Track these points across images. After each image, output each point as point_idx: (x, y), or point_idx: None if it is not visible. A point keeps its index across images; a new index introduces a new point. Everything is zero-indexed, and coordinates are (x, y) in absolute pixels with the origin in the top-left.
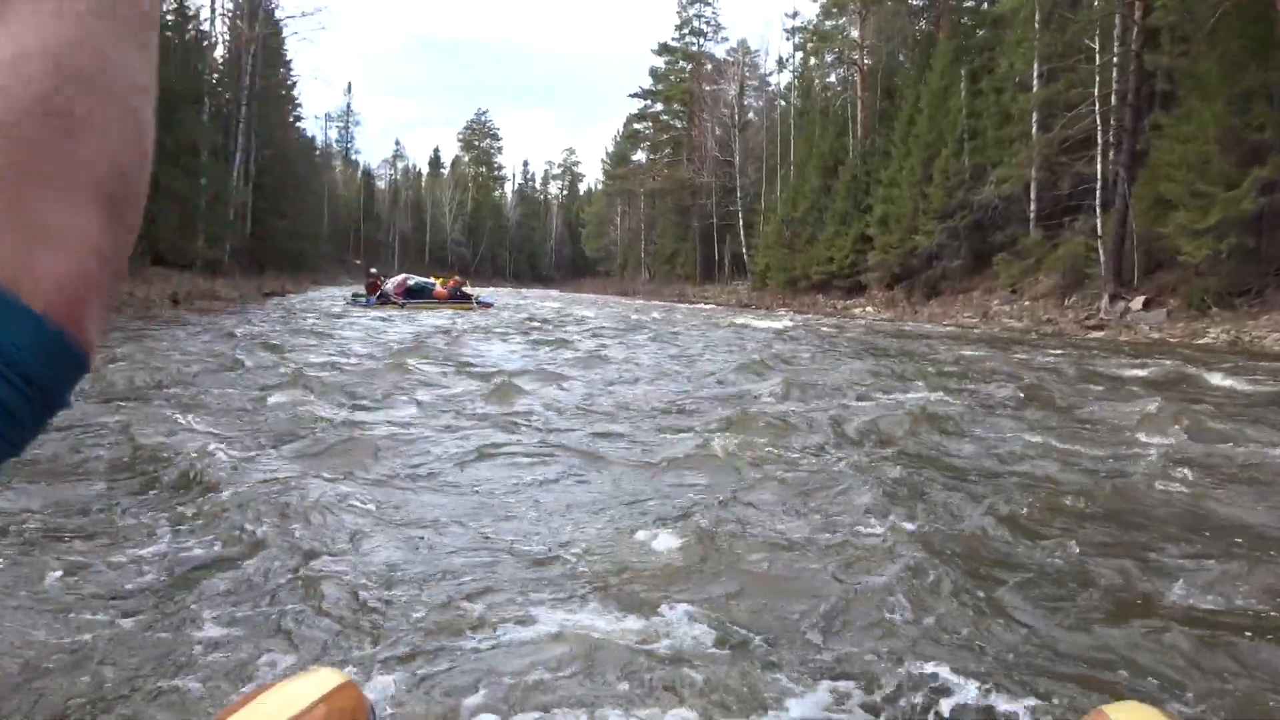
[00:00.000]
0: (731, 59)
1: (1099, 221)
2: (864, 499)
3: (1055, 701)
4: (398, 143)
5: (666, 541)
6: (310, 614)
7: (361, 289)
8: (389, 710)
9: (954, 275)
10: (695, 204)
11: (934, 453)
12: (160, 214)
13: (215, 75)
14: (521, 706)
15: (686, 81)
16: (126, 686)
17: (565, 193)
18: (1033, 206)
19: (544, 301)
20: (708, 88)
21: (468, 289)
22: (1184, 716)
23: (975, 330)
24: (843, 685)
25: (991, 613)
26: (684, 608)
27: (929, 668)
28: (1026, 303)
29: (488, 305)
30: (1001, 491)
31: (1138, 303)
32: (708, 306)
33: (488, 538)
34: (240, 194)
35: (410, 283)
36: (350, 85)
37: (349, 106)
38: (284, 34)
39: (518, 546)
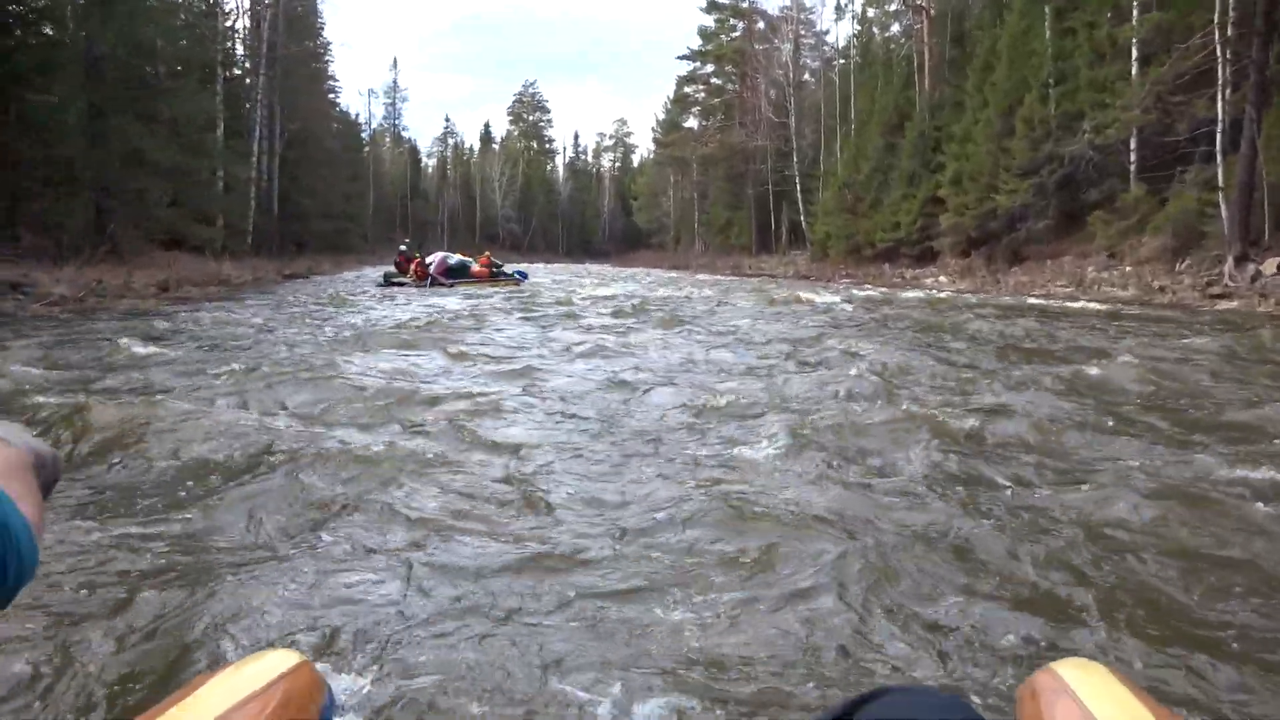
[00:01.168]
0: (785, 14)
1: (1219, 171)
2: None
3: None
4: (448, 119)
5: None
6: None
7: (394, 268)
8: (348, 692)
9: (1040, 238)
10: (749, 170)
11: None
12: (167, 195)
13: (232, 45)
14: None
15: (738, 40)
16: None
17: (618, 165)
18: (1133, 157)
19: (581, 277)
20: (760, 46)
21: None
22: (1131, 673)
23: (1076, 303)
24: None
25: None
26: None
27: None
28: (1128, 268)
29: (520, 280)
30: None
31: (1271, 265)
32: (763, 278)
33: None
34: (259, 171)
35: (451, 261)
36: (396, 60)
37: (395, 82)
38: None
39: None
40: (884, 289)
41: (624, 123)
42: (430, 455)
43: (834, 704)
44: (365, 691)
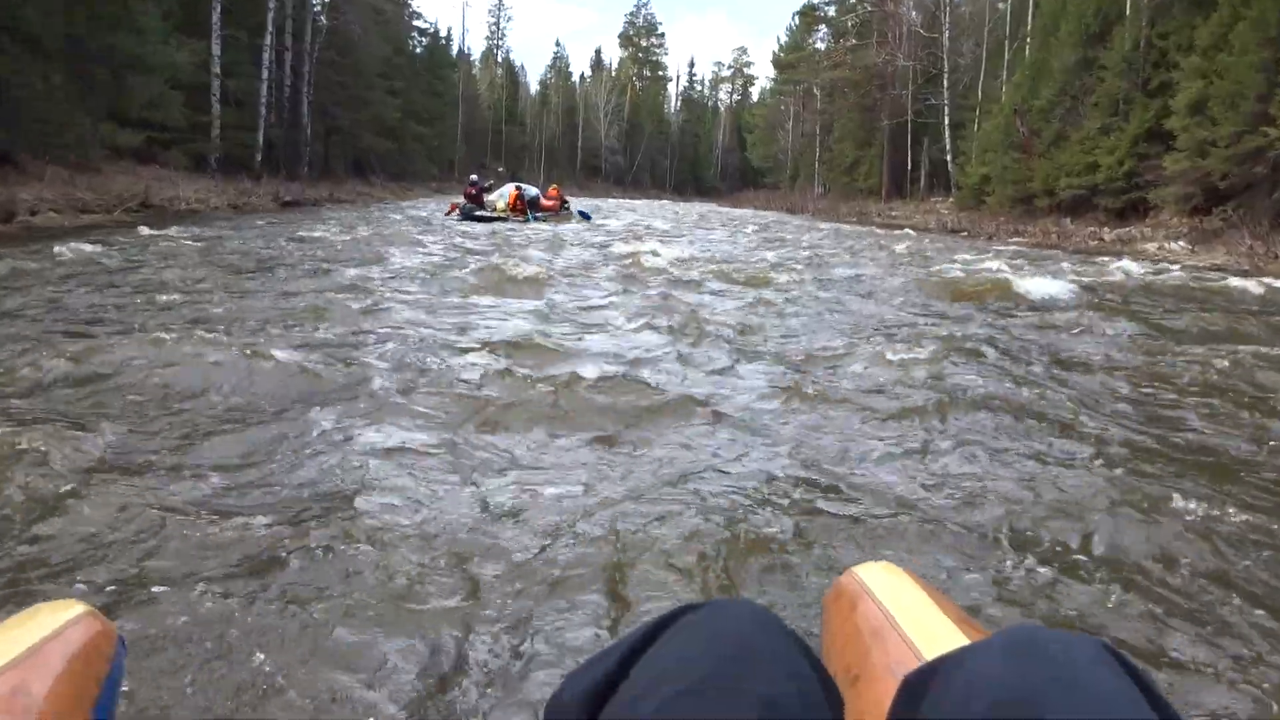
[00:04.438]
0: None
1: None
2: None
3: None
4: (558, 43)
5: None
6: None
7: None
8: (134, 640)
9: None
10: (885, 98)
11: None
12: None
13: None
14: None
15: None
16: None
17: (736, 98)
18: None
19: (663, 221)
20: None
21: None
22: (926, 577)
23: None
24: None
25: None
26: None
27: None
28: None
29: (585, 219)
30: None
31: None
32: (898, 231)
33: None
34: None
35: (529, 194)
36: None
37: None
38: None
39: None
40: (1080, 257)
41: (744, 51)
42: None
43: (644, 622)
44: None
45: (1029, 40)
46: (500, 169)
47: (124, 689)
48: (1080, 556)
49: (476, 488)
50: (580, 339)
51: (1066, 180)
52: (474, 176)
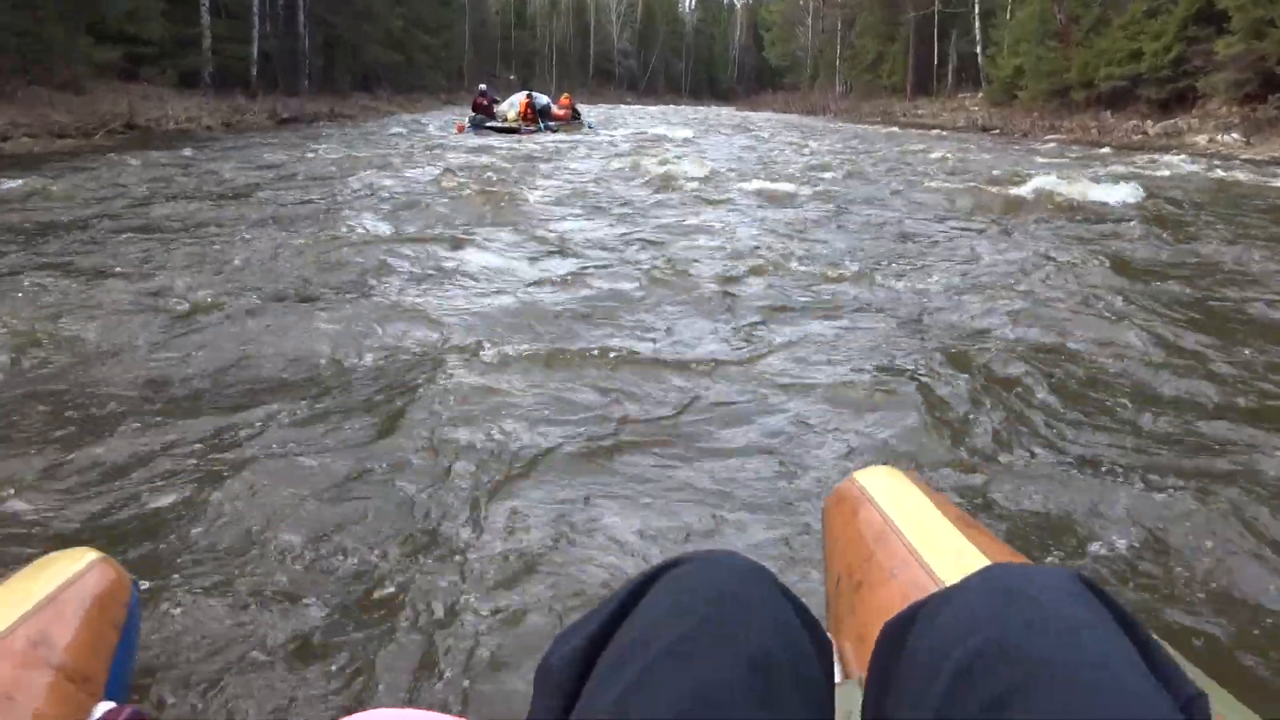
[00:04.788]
0: None
1: None
2: None
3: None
4: None
5: None
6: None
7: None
8: (148, 586)
9: None
10: None
11: None
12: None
13: None
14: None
15: None
16: None
17: None
18: None
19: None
20: None
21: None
22: (926, 479)
23: None
24: None
25: None
26: None
27: None
28: None
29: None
30: None
31: None
32: (926, 130)
33: None
34: None
35: (540, 103)
36: None
37: None
38: None
39: None
40: (1126, 153)
41: None
42: None
43: (630, 579)
44: None
45: None
46: (511, 77)
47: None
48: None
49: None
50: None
51: (1106, 70)
52: (483, 86)
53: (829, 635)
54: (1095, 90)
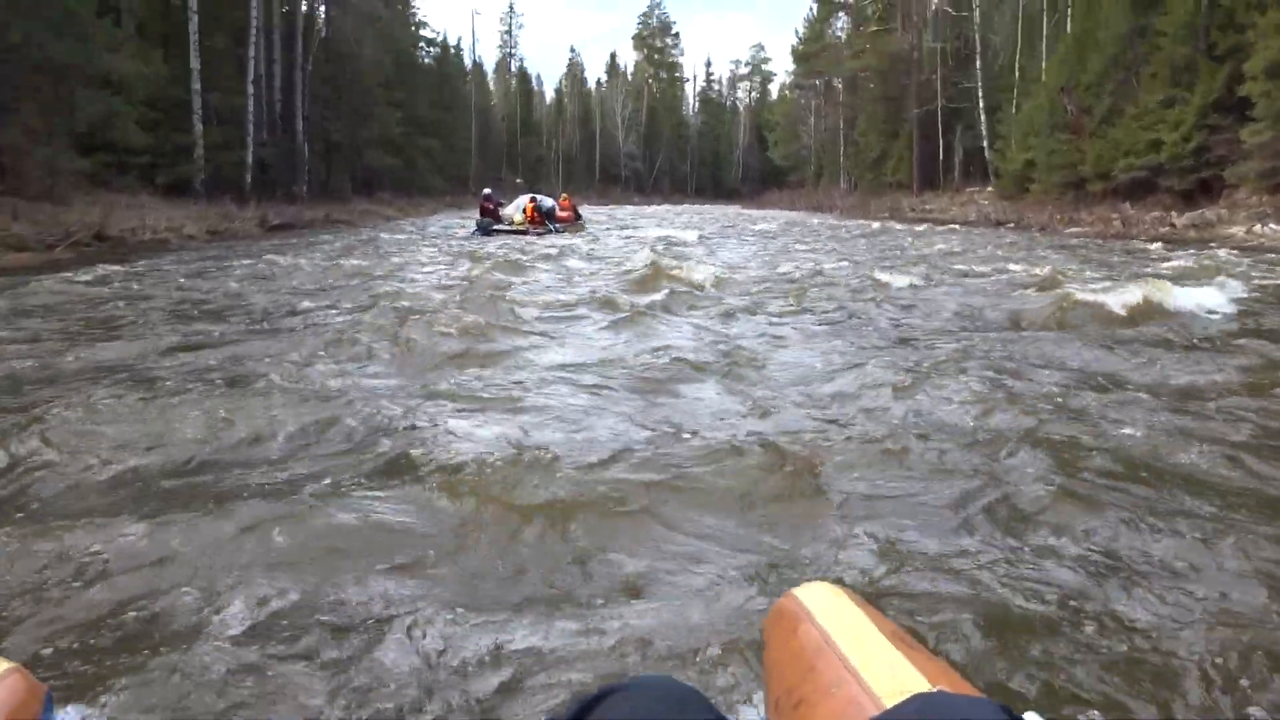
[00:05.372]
0: None
1: None
2: None
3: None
4: (573, 50)
5: None
6: None
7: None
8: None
9: None
10: (912, 84)
11: None
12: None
13: None
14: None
15: None
16: None
17: (755, 95)
18: None
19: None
20: None
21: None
22: (867, 594)
23: None
24: None
25: None
26: None
27: None
28: None
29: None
30: None
31: None
32: (937, 225)
33: None
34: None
35: (545, 206)
36: None
37: (511, 6)
38: None
39: None
40: (1153, 245)
41: (761, 48)
42: None
43: (569, 704)
44: None
45: (1070, 11)
46: (517, 180)
47: None
48: None
49: None
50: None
51: (1125, 160)
52: (488, 191)
53: None
54: (1112, 181)
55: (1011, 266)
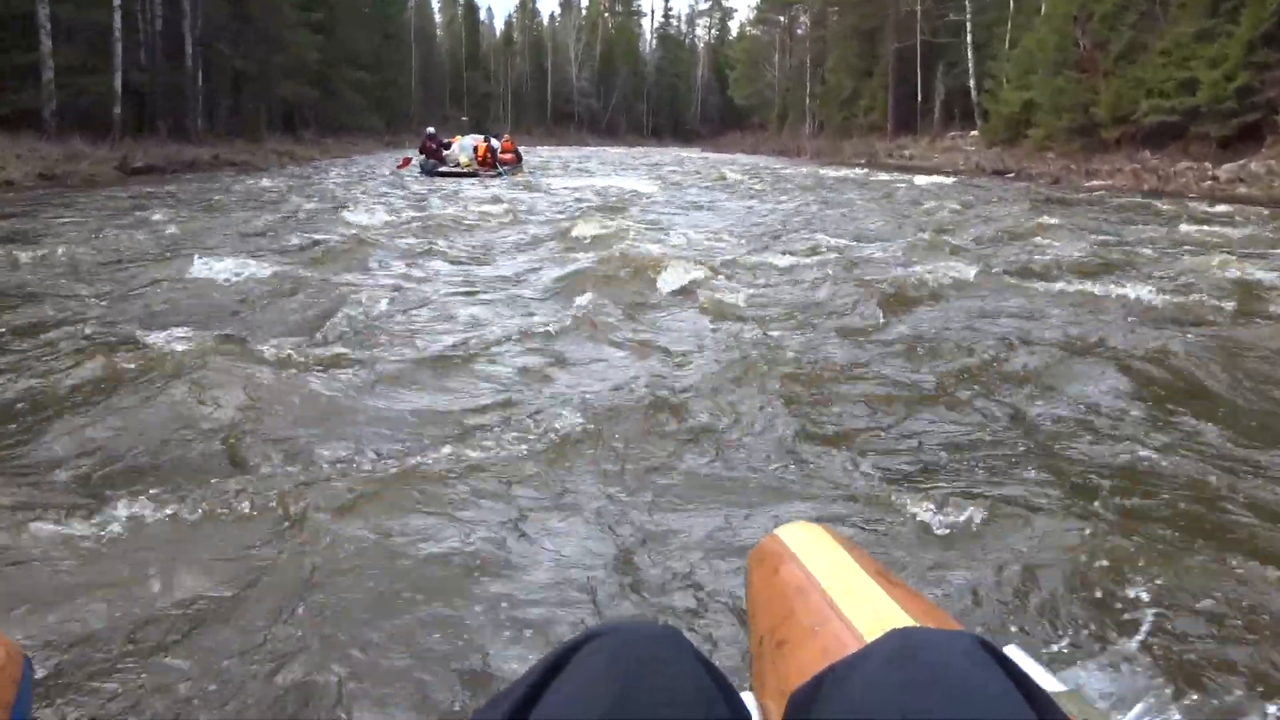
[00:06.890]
0: None
1: None
2: None
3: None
4: None
5: None
6: None
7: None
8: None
9: None
10: (888, 19)
11: None
12: None
13: None
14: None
15: None
16: None
17: (715, 32)
18: None
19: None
20: None
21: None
22: (846, 534)
23: None
24: None
25: None
26: None
27: None
28: None
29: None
30: None
31: None
32: (924, 175)
33: None
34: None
35: (495, 144)
36: None
37: None
38: None
39: None
40: (1215, 207)
41: None
42: None
43: (549, 652)
44: None
45: None
46: (463, 119)
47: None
48: None
49: None
50: None
51: (1151, 102)
52: (430, 129)
53: (753, 696)
54: (1133, 126)
55: (1144, 253)
